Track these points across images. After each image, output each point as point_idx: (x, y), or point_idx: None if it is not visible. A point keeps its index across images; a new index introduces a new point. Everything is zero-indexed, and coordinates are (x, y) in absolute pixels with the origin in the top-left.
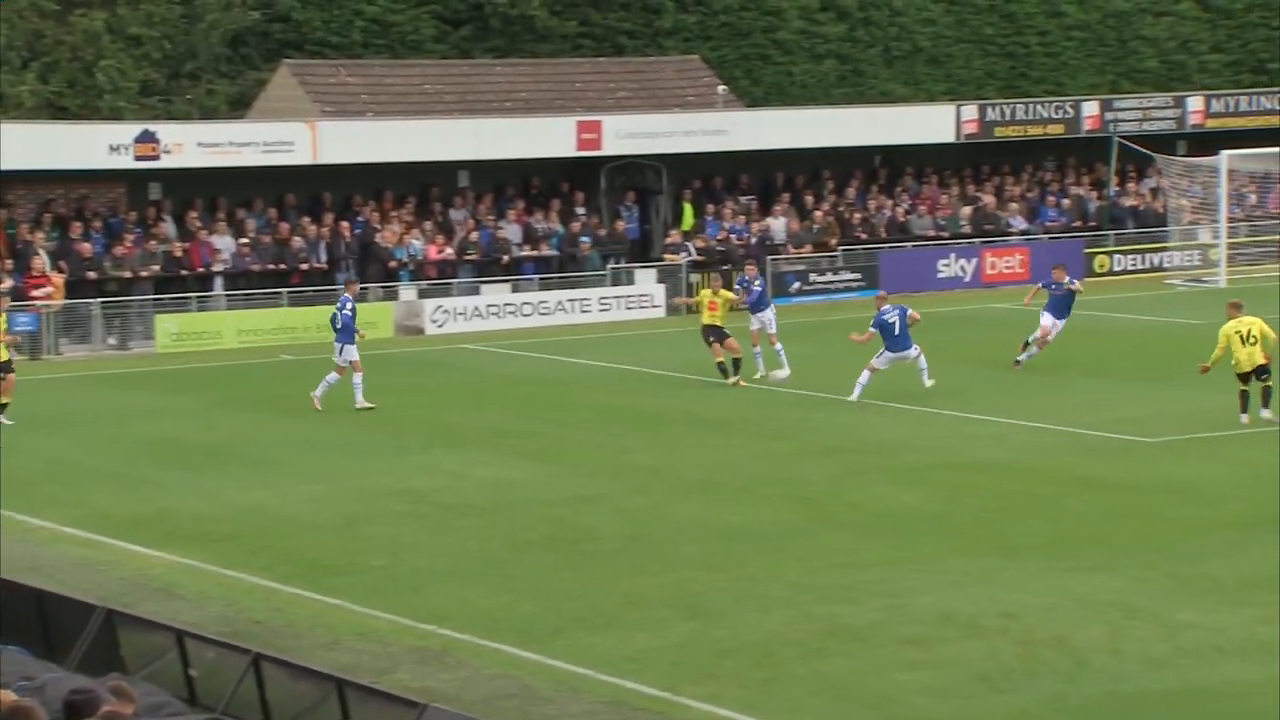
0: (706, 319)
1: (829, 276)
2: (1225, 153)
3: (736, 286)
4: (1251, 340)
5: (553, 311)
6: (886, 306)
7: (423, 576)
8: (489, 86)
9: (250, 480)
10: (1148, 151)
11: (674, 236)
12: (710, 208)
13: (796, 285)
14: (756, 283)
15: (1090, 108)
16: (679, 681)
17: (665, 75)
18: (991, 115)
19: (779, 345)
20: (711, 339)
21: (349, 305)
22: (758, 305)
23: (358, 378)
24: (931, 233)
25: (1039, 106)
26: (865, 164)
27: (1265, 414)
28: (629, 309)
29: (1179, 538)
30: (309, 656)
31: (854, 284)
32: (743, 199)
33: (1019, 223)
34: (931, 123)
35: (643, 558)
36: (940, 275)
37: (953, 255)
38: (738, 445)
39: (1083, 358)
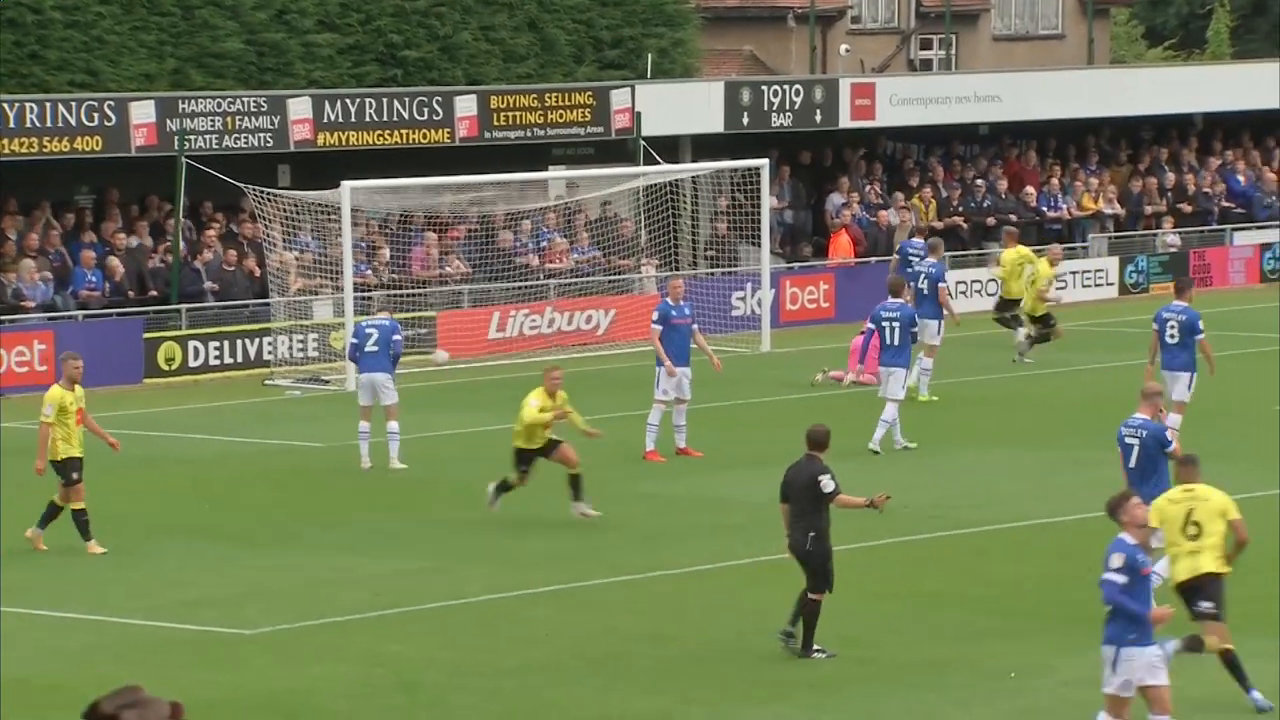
0: None
1: None
2: (348, 184)
3: None
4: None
5: None
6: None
7: None
8: None
9: None
10: (234, 182)
11: None
12: None
13: None
14: None
15: (143, 111)
16: None
17: None
18: None
19: None
20: None
21: None
22: None
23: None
24: None
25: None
26: None
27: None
28: None
29: None
30: None
31: None
32: None
33: (40, 293)
34: None
35: None
36: None
37: None
38: None
39: (148, 510)
